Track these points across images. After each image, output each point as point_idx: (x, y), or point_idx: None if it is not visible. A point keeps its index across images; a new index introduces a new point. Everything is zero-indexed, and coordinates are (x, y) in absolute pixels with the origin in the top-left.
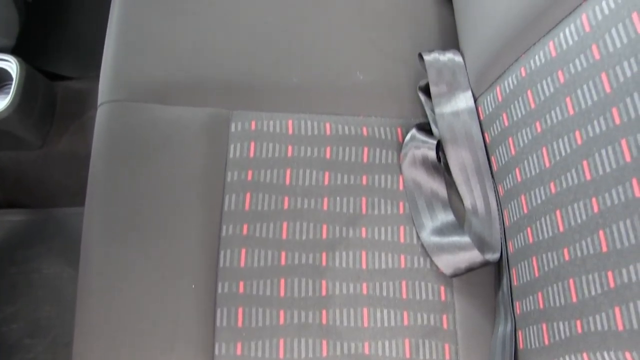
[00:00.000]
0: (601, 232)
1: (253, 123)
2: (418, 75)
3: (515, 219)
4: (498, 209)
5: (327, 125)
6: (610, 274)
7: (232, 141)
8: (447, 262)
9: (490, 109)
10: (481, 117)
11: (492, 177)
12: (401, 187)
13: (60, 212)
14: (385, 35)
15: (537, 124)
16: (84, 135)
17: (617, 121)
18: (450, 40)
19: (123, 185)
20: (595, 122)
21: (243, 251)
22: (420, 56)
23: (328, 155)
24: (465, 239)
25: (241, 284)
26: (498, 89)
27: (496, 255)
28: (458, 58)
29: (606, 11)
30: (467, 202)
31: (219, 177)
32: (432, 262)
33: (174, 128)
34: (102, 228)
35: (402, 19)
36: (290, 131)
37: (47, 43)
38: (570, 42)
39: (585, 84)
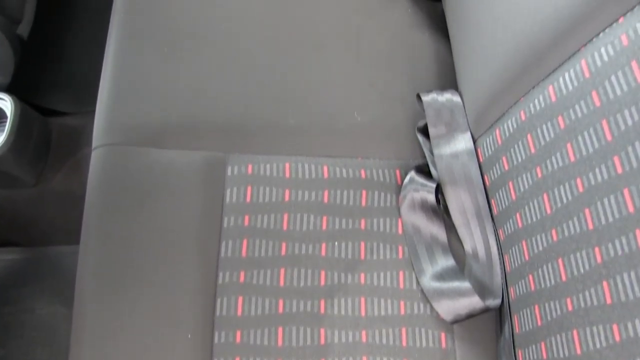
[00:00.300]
0: (605, 284)
1: (250, 166)
2: (416, 115)
3: (516, 265)
4: (499, 254)
5: (325, 168)
6: (615, 327)
7: (229, 185)
8: (448, 308)
9: (490, 152)
10: (480, 159)
11: (493, 220)
12: (400, 231)
13: (54, 250)
14: (382, 75)
15: (538, 169)
16: (79, 173)
17: (619, 170)
18: (449, 79)
19: (118, 230)
20: (597, 170)
21: (240, 299)
22: (419, 97)
23: (326, 199)
24: (466, 285)
25: (238, 333)
26: (497, 131)
27: (497, 302)
28: (456, 98)
29: (605, 58)
30: (467, 246)
31: (216, 223)
32: (432, 308)
33: (169, 172)
34: (96, 274)
35: (399, 58)
36: (288, 174)
37: (42, 79)
38: (570, 88)
39: (585, 130)
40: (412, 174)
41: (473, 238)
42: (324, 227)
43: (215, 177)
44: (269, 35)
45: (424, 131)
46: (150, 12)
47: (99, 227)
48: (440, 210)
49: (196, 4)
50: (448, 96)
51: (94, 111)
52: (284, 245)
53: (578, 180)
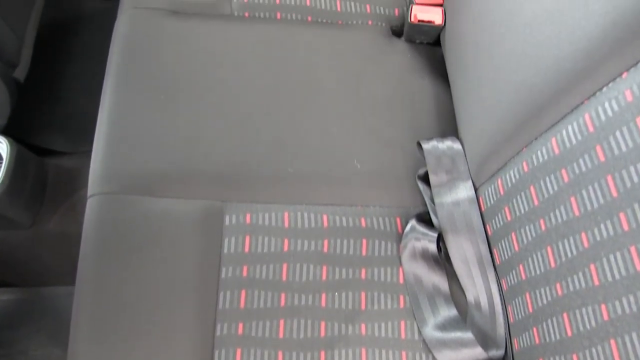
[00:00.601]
0: (612, 342)
1: (248, 216)
2: (417, 162)
3: (520, 317)
4: (502, 304)
5: (324, 217)
6: None
7: (227, 235)
8: (450, 359)
9: (492, 201)
10: (482, 208)
11: (495, 269)
12: (401, 280)
13: (49, 291)
14: (382, 121)
15: (541, 221)
16: (75, 215)
17: (626, 227)
18: (449, 125)
19: (113, 278)
20: (602, 226)
21: (238, 351)
22: (419, 144)
23: (325, 249)
24: (468, 335)
25: None
26: (499, 181)
27: (500, 352)
28: (457, 145)
29: (610, 113)
30: (470, 295)
31: (213, 273)
32: (434, 358)
33: (166, 221)
34: (91, 320)
35: (399, 104)
36: (287, 224)
37: (38, 118)
38: (574, 141)
39: (590, 185)
40: (413, 222)
41: (475, 287)
42: (324, 277)
43: (212, 226)
44: (267, 82)
45: (425, 179)
46: (148, 58)
47: (94, 276)
48: (441, 259)
49: (193, 50)
50: (449, 143)
51: (90, 151)
52: (283, 296)
53: (583, 235)
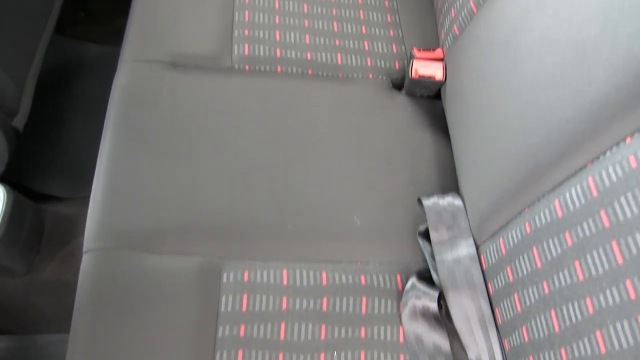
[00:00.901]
0: None
1: (246, 273)
2: (417, 217)
3: None
4: None
5: (324, 274)
6: None
7: (224, 293)
8: None
9: (494, 260)
10: (484, 266)
11: (497, 329)
12: (402, 340)
13: (44, 339)
14: (382, 176)
15: (545, 284)
16: (71, 263)
17: (632, 295)
18: (450, 180)
19: (107, 334)
20: (608, 292)
21: None
22: (419, 200)
23: (325, 307)
24: None
25: None
26: (501, 240)
27: None
28: (458, 202)
29: (614, 178)
30: (471, 354)
31: (210, 332)
32: None
33: (163, 279)
34: None
35: (399, 158)
36: (285, 282)
37: (36, 163)
38: (577, 205)
39: (595, 250)
40: (413, 280)
41: (477, 346)
42: (323, 336)
43: (210, 283)
44: (267, 137)
45: (425, 235)
46: (147, 111)
47: (89, 332)
48: (442, 317)
49: (193, 103)
50: (450, 200)
51: (88, 197)
52: (281, 355)
53: (588, 300)
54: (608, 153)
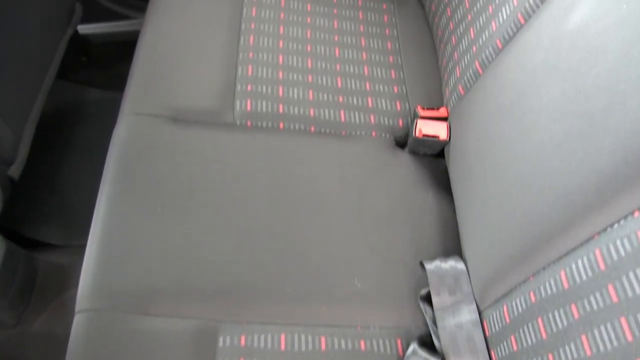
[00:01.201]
0: None
1: (243, 337)
2: (419, 280)
3: None
4: None
5: (323, 340)
6: None
7: (220, 358)
8: None
9: (497, 328)
10: (487, 333)
11: None
12: None
13: None
14: (384, 238)
15: (550, 356)
16: (64, 315)
17: None
18: (453, 242)
19: None
20: None
21: None
22: (422, 264)
23: None
24: None
25: None
26: (505, 308)
27: None
28: (461, 265)
29: (622, 252)
30: None
31: None
32: None
33: (157, 342)
34: None
35: (401, 219)
36: (283, 347)
37: (32, 210)
38: (584, 277)
39: (602, 325)
40: (414, 346)
41: None
42: None
43: (205, 348)
44: (267, 195)
45: (427, 299)
46: (146, 166)
47: None
48: None
49: (193, 160)
50: (452, 263)
51: (83, 245)
52: None
53: None
54: (616, 226)
